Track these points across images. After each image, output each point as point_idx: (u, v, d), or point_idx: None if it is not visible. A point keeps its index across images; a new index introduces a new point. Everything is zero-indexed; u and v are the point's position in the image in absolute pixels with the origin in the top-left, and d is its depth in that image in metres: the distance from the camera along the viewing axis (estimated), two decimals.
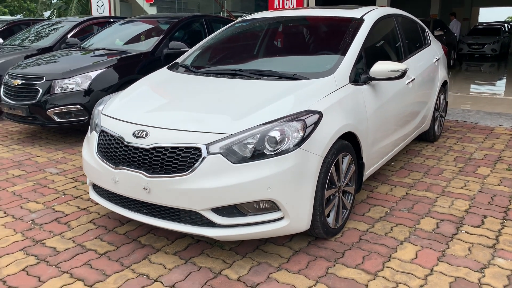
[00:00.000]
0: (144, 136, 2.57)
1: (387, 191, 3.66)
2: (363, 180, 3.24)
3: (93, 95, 5.00)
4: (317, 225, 2.67)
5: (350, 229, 3.01)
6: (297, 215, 2.52)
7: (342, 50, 3.22)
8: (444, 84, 5.08)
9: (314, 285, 2.39)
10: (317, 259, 2.65)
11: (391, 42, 4.06)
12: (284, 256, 2.68)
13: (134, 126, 2.66)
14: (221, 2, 14.11)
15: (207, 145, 2.44)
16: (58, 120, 5.01)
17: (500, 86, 10.61)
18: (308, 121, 2.57)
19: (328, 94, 2.84)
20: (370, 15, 3.67)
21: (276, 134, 2.46)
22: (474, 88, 9.85)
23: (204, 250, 2.75)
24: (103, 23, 8.24)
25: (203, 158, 2.42)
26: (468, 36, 18.87)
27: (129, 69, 5.36)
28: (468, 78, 11.52)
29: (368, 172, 3.33)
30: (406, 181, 3.86)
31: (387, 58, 3.71)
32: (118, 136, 2.69)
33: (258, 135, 2.46)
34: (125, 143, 2.63)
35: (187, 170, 2.43)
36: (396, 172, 4.10)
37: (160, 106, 2.90)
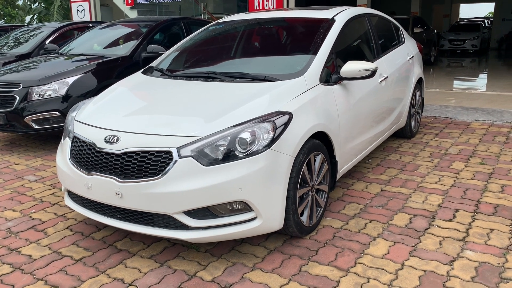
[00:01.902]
0: (115, 141, 2.59)
1: (362, 188, 3.71)
2: (338, 178, 3.29)
3: (71, 101, 4.98)
4: (290, 224, 2.71)
5: (325, 227, 3.05)
6: (269, 215, 2.56)
7: (313, 51, 3.27)
8: (420, 81, 5.16)
9: (287, 284, 2.43)
10: (291, 257, 2.69)
11: (363, 42, 4.12)
12: (259, 256, 2.71)
13: (105, 132, 2.67)
14: (201, 4, 14.10)
15: (178, 149, 2.46)
16: (36, 127, 4.98)
17: (478, 81, 10.79)
18: (278, 122, 2.60)
19: (298, 95, 2.88)
20: (341, 16, 3.73)
21: (246, 135, 2.49)
22: (453, 83, 10.00)
23: (180, 253, 2.77)
24: (83, 28, 8.20)
25: (175, 162, 2.44)
26: (449, 32, 19.17)
27: (107, 74, 5.35)
28: (448, 74, 11.68)
29: (342, 170, 3.38)
30: (382, 178, 3.93)
31: (359, 57, 3.77)
32: (90, 142, 2.70)
33: (229, 137, 2.49)
34: (97, 148, 2.64)
35: (158, 174, 2.45)
36: (372, 169, 4.16)
37: (132, 111, 2.92)
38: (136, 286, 2.45)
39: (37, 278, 2.56)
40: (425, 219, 3.13)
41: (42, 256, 2.79)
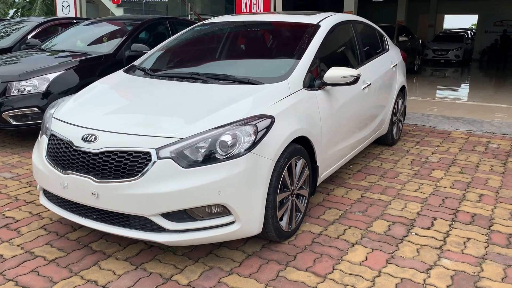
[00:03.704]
0: (93, 140, 2.53)
1: (343, 194, 3.72)
2: (318, 183, 3.28)
3: (51, 98, 4.88)
4: (269, 229, 2.69)
5: (304, 232, 3.04)
6: (248, 219, 2.53)
7: (297, 56, 3.26)
8: (402, 89, 5.21)
9: None
10: (269, 262, 2.67)
11: (347, 48, 4.14)
12: (236, 260, 2.68)
13: (83, 130, 2.62)
14: (189, 5, 14.04)
15: (157, 150, 2.42)
16: (14, 123, 4.87)
17: (460, 91, 10.97)
18: (260, 125, 2.58)
19: (281, 99, 2.86)
20: (326, 21, 3.73)
21: (227, 138, 2.47)
22: (436, 92, 10.14)
23: (156, 256, 2.72)
24: (66, 24, 8.07)
25: (153, 163, 2.40)
26: (433, 42, 19.47)
27: (89, 71, 5.26)
28: (431, 83, 11.84)
29: (323, 175, 3.38)
30: (362, 184, 3.94)
31: (343, 63, 3.77)
32: (67, 140, 2.64)
33: (210, 139, 2.46)
34: (74, 147, 2.58)
35: (136, 175, 2.40)
36: (353, 175, 4.18)
37: (112, 110, 2.86)
38: None
39: (8, 278, 2.48)
40: (403, 227, 3.14)
41: (13, 256, 2.72)
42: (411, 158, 4.74)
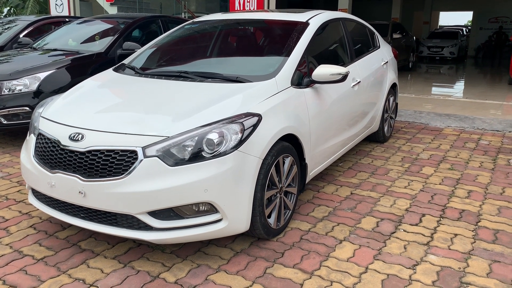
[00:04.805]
0: (80, 139, 2.54)
1: (332, 191, 3.74)
2: (307, 180, 3.30)
3: (43, 97, 4.87)
4: (257, 226, 2.70)
5: (293, 229, 3.06)
6: (235, 217, 2.54)
7: (286, 54, 3.27)
8: (393, 86, 5.23)
9: (251, 286, 2.42)
10: (256, 259, 2.68)
11: (337, 46, 4.15)
12: (224, 258, 2.70)
13: (71, 129, 2.62)
14: (182, 3, 14.02)
15: (144, 148, 2.43)
16: (5, 122, 4.86)
17: (453, 88, 10.99)
18: (247, 123, 2.59)
19: (268, 97, 2.87)
20: (315, 19, 3.74)
21: (214, 136, 2.48)
22: (429, 89, 10.16)
23: (144, 254, 2.73)
24: (59, 22, 8.05)
25: (140, 161, 2.41)
26: (428, 39, 19.52)
27: (81, 70, 5.25)
28: (425, 80, 11.87)
29: (312, 172, 3.39)
30: (352, 181, 3.96)
31: (332, 61, 3.79)
32: (55, 139, 2.65)
33: (196, 138, 2.47)
34: (61, 146, 2.59)
35: (122, 174, 2.41)
36: (343, 172, 4.19)
37: (99, 109, 2.86)
38: (97, 286, 2.41)
39: None
40: (391, 223, 3.16)
41: (2, 255, 2.72)
42: (402, 155, 4.77)
